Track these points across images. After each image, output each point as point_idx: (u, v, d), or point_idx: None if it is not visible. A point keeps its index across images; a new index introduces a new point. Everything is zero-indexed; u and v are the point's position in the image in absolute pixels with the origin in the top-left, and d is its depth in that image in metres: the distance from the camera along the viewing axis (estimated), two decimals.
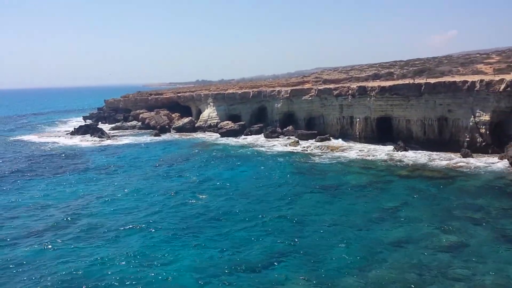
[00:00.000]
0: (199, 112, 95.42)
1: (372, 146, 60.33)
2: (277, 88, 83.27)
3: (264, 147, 67.10)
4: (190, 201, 39.58)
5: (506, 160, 45.81)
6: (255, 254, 27.91)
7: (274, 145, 68.18)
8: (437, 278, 23.71)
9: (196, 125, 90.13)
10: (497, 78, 51.32)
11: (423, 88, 56.51)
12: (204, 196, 40.89)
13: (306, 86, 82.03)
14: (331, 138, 68.55)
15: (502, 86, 48.73)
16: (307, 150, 62.14)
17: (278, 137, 74.41)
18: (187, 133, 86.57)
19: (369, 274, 24.57)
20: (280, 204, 37.64)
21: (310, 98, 73.45)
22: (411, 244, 28.33)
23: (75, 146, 75.30)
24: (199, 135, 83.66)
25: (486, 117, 51.14)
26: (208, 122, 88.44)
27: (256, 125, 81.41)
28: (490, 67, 67.74)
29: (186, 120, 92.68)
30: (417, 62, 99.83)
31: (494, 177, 41.74)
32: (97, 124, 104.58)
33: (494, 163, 46.62)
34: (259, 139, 74.93)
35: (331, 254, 27.41)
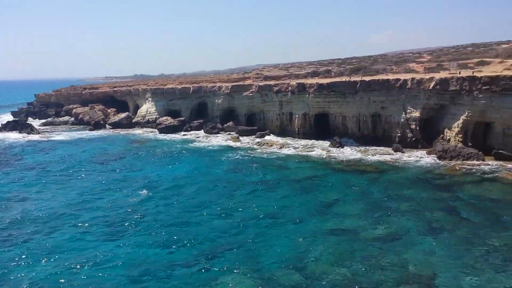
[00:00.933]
0: (137, 107, 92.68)
1: (310, 142, 61.41)
2: (218, 84, 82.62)
3: (204, 143, 66.31)
4: (125, 200, 38.17)
5: (434, 154, 48.24)
6: (193, 251, 27.33)
7: (215, 141, 67.56)
8: (369, 267, 24.42)
9: (133, 120, 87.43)
10: (427, 76, 53.92)
11: (358, 85, 58.25)
12: (141, 194, 39.57)
13: (247, 82, 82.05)
14: (271, 134, 69.07)
15: (432, 84, 51.24)
16: (247, 146, 62.12)
17: (219, 133, 73.86)
18: (124, 129, 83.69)
19: (306, 266, 24.89)
20: (218, 200, 37.20)
21: (251, 94, 73.53)
22: (345, 235, 29.04)
23: (1, 143, 70.44)
24: (137, 131, 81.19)
25: (416, 114, 53.60)
26: (147, 118, 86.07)
27: (196, 121, 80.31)
28: (422, 66, 71.18)
29: (123, 115, 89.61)
30: (354, 61, 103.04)
31: (423, 171, 43.81)
32: (27, 120, 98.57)
33: (423, 157, 48.97)
34: (199, 135, 73.99)
35: (269, 248, 27.44)
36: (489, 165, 43.30)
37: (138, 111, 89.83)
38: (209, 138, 69.91)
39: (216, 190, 40.50)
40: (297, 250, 26.98)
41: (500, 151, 44.91)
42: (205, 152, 58.95)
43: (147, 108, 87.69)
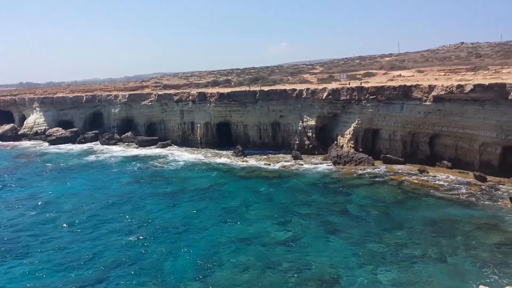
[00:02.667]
0: (23, 118, 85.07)
1: (213, 151, 61.48)
2: (114, 93, 79.12)
3: (101, 155, 62.91)
4: (12, 219, 34.62)
5: (330, 160, 51.18)
6: (92, 269, 25.65)
7: (112, 152, 64.44)
8: (273, 271, 25.04)
9: (19, 132, 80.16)
10: (320, 87, 57.15)
11: (258, 95, 59.81)
12: (30, 214, 36.20)
13: (146, 90, 79.76)
14: (172, 143, 67.84)
15: (325, 94, 54.42)
16: (147, 157, 60.23)
17: (116, 144, 70.70)
18: (8, 142, 76.27)
19: (212, 276, 24.74)
20: (118, 215, 35.49)
21: (150, 103, 71.58)
22: (249, 241, 29.48)
23: None
24: (24, 144, 74.54)
25: (312, 122, 56.48)
26: (34, 129, 79.35)
27: (91, 132, 76.02)
28: (315, 77, 75.32)
29: (7, 127, 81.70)
30: (252, 71, 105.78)
31: (320, 176, 46.20)
32: None
33: (320, 163, 51.66)
34: (95, 146, 70.13)
35: (174, 260, 26.83)
36: (378, 168, 47.05)
37: (25, 122, 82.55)
38: (106, 150, 66.49)
39: (115, 205, 38.57)
40: (201, 260, 26.76)
41: (388, 155, 49.10)
42: (103, 165, 55.94)
43: (35, 119, 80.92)
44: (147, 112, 72.42)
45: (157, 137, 70.09)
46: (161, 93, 71.98)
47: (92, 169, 53.56)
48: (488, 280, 22.58)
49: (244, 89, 64.05)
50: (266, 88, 62.29)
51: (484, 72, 54.46)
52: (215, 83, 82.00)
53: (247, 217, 34.37)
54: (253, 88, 64.23)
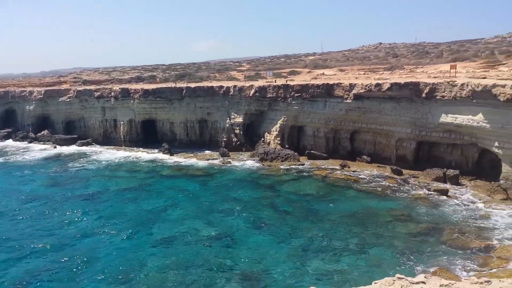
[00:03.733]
0: None
1: (137, 149, 59.52)
2: (29, 89, 73.78)
3: (13, 155, 58.39)
4: None
5: (257, 157, 51.69)
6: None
7: (27, 152, 60.08)
8: (202, 270, 24.78)
9: None
10: (247, 84, 57.47)
11: (184, 92, 58.83)
12: None
13: (64, 86, 75.30)
14: (93, 142, 64.72)
15: (252, 92, 54.82)
16: (66, 156, 56.92)
17: (32, 143, 66.05)
18: None
19: (136, 279, 23.93)
20: (32, 222, 33.15)
21: (68, 99, 67.66)
22: (177, 241, 28.98)
23: None
24: None
25: (239, 119, 56.68)
26: None
27: (3, 130, 70.42)
28: (242, 74, 75.63)
29: None
30: (178, 67, 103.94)
31: (247, 172, 46.51)
32: None
33: (248, 160, 52.03)
34: (7, 146, 64.98)
35: (95, 267, 25.52)
36: (303, 164, 48.33)
37: None
38: (19, 150, 61.84)
39: (31, 209, 36.01)
40: (124, 264, 25.78)
41: (312, 151, 50.62)
42: (15, 166, 51.96)
43: None
44: (65, 109, 68.40)
45: (76, 135, 66.45)
46: (81, 89, 68.34)
47: (1, 170, 49.53)
48: (403, 267, 24.04)
49: (170, 86, 62.65)
50: (193, 85, 61.43)
51: (400, 71, 57.97)
52: (139, 79, 79.41)
53: (173, 217, 33.71)
54: (179, 85, 63.03)
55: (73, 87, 70.84)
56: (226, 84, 59.72)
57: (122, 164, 52.10)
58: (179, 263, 25.67)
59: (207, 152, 56.44)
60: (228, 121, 57.45)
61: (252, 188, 40.86)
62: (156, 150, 57.76)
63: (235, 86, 56.89)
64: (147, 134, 62.12)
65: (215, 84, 61.06)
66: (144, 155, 56.24)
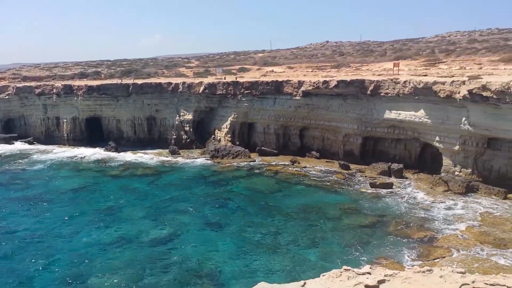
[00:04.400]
0: None
1: (82, 148, 57.31)
2: None
3: None
4: None
5: (208, 154, 51.25)
6: None
7: None
8: (153, 270, 24.26)
9: None
10: (197, 81, 56.81)
11: (131, 88, 57.26)
12: None
13: (2, 83, 70.97)
14: (34, 141, 61.61)
15: (201, 88, 54.25)
16: (5, 156, 53.80)
17: None
18: None
19: (86, 283, 23.04)
20: None
21: (7, 96, 63.89)
22: (127, 241, 28.21)
23: None
24: None
25: (189, 116, 55.95)
26: None
27: None
28: (191, 70, 74.64)
29: None
30: (124, 63, 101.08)
31: (198, 170, 46.02)
32: None
33: (198, 157, 51.47)
34: None
35: (41, 273, 24.30)
36: (254, 161, 48.47)
37: None
38: None
39: None
40: (72, 267, 24.78)
41: (263, 147, 50.87)
42: None
43: None
44: (4, 106, 64.55)
45: (16, 134, 62.98)
46: (20, 85, 64.74)
47: None
48: (351, 259, 24.74)
49: (115, 82, 60.74)
50: (140, 81, 59.91)
51: (347, 69, 59.44)
52: (82, 75, 76.28)
53: (122, 218, 32.75)
54: (125, 81, 61.27)
55: (12, 84, 66.97)
56: (174, 80, 58.72)
57: (66, 163, 49.97)
58: (129, 264, 24.98)
59: (156, 150, 55.27)
60: (177, 118, 56.56)
61: (203, 186, 40.47)
62: (102, 149, 55.85)
63: (184, 83, 56.06)
64: (93, 132, 59.93)
65: (163, 80, 59.88)
66: (89, 154, 54.19)
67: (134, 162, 49.80)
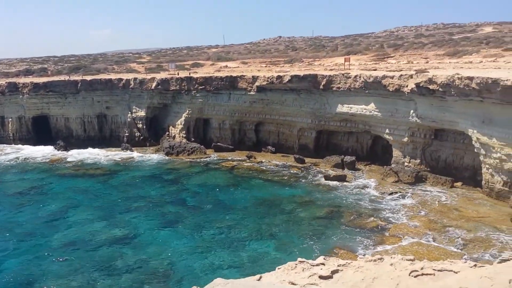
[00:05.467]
0: None
1: (30, 148, 54.70)
2: None
3: None
4: None
5: (162, 151, 50.38)
6: None
7: None
8: (108, 272, 23.59)
9: None
10: (149, 76, 55.58)
11: (80, 85, 55.21)
12: None
13: None
14: None
15: (154, 84, 53.13)
16: None
17: None
18: None
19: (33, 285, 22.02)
20: None
21: None
22: (79, 244, 27.27)
23: None
24: None
25: (142, 113, 54.71)
26: None
27: None
28: (143, 66, 72.96)
29: None
30: (72, 59, 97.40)
31: (153, 168, 45.15)
32: None
33: (153, 154, 50.47)
34: None
35: None
36: (210, 157, 48.13)
37: None
38: None
39: None
40: (27, 275, 23.64)
41: (218, 143, 50.57)
42: None
43: None
44: None
45: None
46: None
47: None
48: (306, 249, 25.22)
49: (63, 79, 58.31)
50: (89, 78, 57.82)
51: (300, 64, 60.17)
52: (28, 72, 72.77)
53: (73, 220, 31.58)
54: (74, 78, 58.97)
55: None
56: (126, 76, 57.19)
57: (12, 165, 47.54)
58: (82, 268, 24.12)
59: (108, 148, 53.62)
60: (129, 115, 55.15)
61: (158, 184, 39.75)
62: (50, 148, 53.60)
63: (135, 79, 54.70)
64: (40, 132, 57.29)
65: (113, 76, 58.12)
66: (37, 153, 51.82)
67: (84, 162, 48.13)
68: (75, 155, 51.06)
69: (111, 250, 26.35)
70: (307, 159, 44.62)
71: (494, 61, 42.25)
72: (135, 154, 50.61)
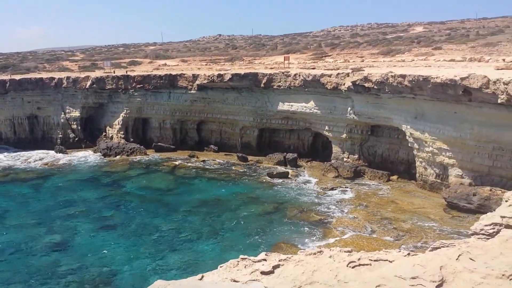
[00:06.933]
0: None
1: None
2: None
3: None
4: None
5: (99, 153, 48.49)
6: None
7: None
8: (46, 280, 22.33)
9: None
10: (83, 75, 53.26)
11: (8, 85, 51.77)
12: None
13: None
14: None
15: (89, 83, 50.97)
16: None
17: None
18: None
19: None
20: None
21: None
22: (14, 252, 25.60)
23: None
24: None
25: (76, 113, 52.35)
26: None
27: None
28: (76, 64, 69.77)
29: None
30: None
31: (90, 171, 43.32)
32: None
33: (89, 156, 48.43)
34: None
35: None
36: (151, 157, 46.89)
37: None
38: None
39: None
40: None
41: (159, 143, 49.46)
42: None
43: None
44: None
45: None
46: None
47: None
48: (250, 243, 25.50)
49: None
50: (18, 77, 54.39)
51: (240, 62, 60.22)
52: None
53: (5, 227, 29.62)
54: (1, 77, 55.23)
55: None
56: (58, 75, 54.46)
57: None
58: (15, 277, 22.62)
59: (40, 151, 50.72)
60: (63, 115, 52.58)
61: (95, 187, 38.20)
62: None
63: (68, 78, 52.20)
64: None
65: (45, 75, 55.14)
66: None
67: (14, 166, 45.26)
68: (4, 159, 47.90)
69: (48, 257, 24.97)
70: (250, 157, 44.77)
71: (425, 60, 44.56)
72: (70, 157, 48.29)
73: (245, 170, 41.47)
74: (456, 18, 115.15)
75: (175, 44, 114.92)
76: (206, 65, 60.08)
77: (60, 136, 52.42)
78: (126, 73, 52.79)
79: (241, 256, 7.52)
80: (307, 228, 27.67)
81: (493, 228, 6.47)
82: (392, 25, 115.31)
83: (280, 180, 37.72)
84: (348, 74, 37.09)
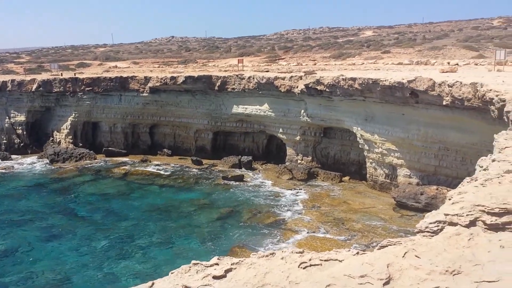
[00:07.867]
0: None
1: None
2: None
3: None
4: None
5: (46, 158, 46.48)
6: None
7: None
8: None
9: None
10: (28, 78, 50.91)
11: None
12: None
13: None
14: None
15: (35, 86, 48.82)
16: None
17: None
18: None
19: None
20: None
21: None
22: None
23: None
24: None
25: (21, 118, 50.00)
26: None
27: None
28: (21, 66, 66.67)
29: None
30: None
31: (35, 177, 41.41)
32: None
33: (36, 162, 46.30)
34: None
35: None
36: (101, 163, 45.51)
37: None
38: None
39: None
40: None
41: (110, 148, 48.04)
42: None
43: None
44: None
45: None
46: None
47: None
48: (204, 248, 25.26)
49: None
50: None
51: (194, 65, 59.73)
52: None
53: None
54: None
55: None
56: (2, 78, 51.73)
57: None
58: None
59: None
60: (7, 120, 50.02)
61: (42, 194, 36.55)
62: None
63: (13, 80, 49.72)
64: None
65: None
66: None
67: None
68: None
69: None
70: (205, 161, 44.41)
71: (374, 63, 46.03)
72: (15, 163, 46.00)
73: (200, 173, 41.08)
74: (404, 23, 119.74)
75: (126, 46, 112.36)
76: (158, 67, 59.13)
77: (5, 141, 49.84)
78: (75, 75, 51.03)
79: (193, 261, 7.39)
80: (262, 231, 27.73)
81: (437, 226, 6.71)
82: (343, 29, 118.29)
83: (236, 183, 37.63)
84: (301, 77, 37.61)
